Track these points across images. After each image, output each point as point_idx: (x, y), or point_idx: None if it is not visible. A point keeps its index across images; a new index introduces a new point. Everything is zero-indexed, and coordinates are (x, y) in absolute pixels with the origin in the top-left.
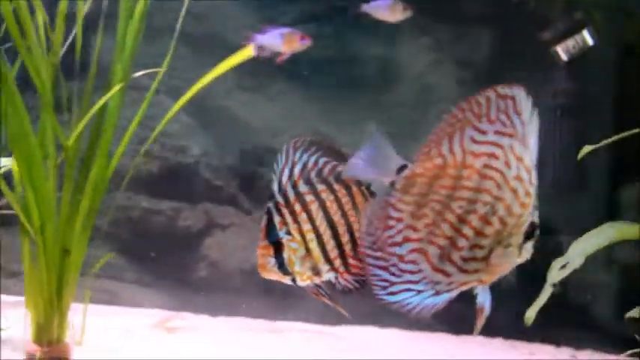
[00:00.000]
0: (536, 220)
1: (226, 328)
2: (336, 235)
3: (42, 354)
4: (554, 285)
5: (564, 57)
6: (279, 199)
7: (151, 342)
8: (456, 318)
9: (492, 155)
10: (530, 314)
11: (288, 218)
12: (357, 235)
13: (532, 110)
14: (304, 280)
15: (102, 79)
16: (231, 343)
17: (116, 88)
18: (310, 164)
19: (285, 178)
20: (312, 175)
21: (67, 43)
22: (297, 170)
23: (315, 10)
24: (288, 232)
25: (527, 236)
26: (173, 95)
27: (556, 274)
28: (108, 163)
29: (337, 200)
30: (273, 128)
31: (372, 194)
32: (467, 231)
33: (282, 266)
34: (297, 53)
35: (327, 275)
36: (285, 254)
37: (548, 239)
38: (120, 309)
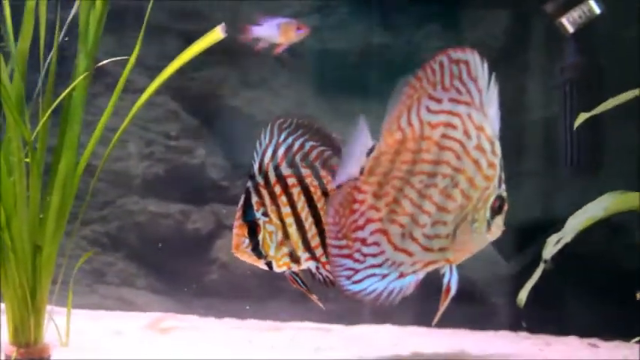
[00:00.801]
0: (504, 193)
1: (226, 328)
2: (318, 223)
3: (18, 355)
4: (546, 262)
5: (570, 29)
6: (259, 179)
7: (139, 343)
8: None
9: (449, 125)
10: (522, 295)
11: (267, 199)
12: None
13: (489, 77)
14: (280, 267)
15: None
16: (226, 344)
17: (80, 78)
18: (296, 147)
19: (267, 159)
20: (297, 158)
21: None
22: (280, 152)
23: (318, 2)
24: (266, 214)
25: (496, 211)
26: (174, 95)
27: (550, 250)
28: (77, 159)
29: (322, 187)
30: None
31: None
32: (428, 207)
33: (256, 248)
34: (303, 46)
35: (307, 264)
36: (260, 236)
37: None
38: (121, 313)
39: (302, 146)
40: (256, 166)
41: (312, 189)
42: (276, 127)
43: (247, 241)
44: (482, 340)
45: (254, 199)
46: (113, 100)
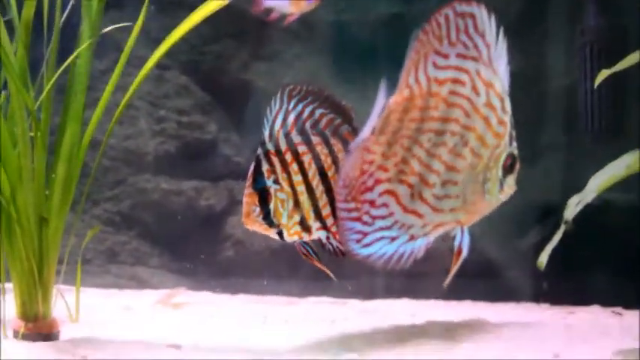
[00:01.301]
0: (515, 151)
1: (240, 304)
2: (329, 191)
3: (26, 329)
4: (567, 222)
5: None
6: (270, 146)
7: (150, 318)
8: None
9: (457, 81)
10: (542, 258)
11: (278, 167)
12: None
13: (497, 32)
14: (291, 236)
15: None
16: (239, 318)
17: (84, 45)
18: (306, 114)
19: (277, 126)
20: (307, 125)
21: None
22: (290, 119)
23: None
24: (277, 182)
25: (507, 170)
26: (187, 71)
27: (571, 211)
28: (82, 129)
29: (332, 155)
30: None
31: None
32: (437, 166)
33: (267, 217)
34: (315, 16)
35: (318, 234)
36: (272, 204)
37: None
38: (134, 291)
39: (312, 113)
40: (266, 133)
41: (322, 157)
42: (285, 94)
43: (258, 209)
44: (503, 311)
45: (264, 166)
46: (118, 70)
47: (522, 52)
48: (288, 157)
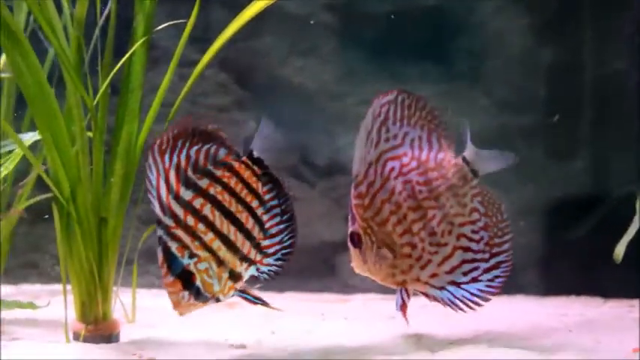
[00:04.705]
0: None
1: (292, 302)
2: (241, 227)
3: (86, 331)
4: None
5: None
6: (167, 221)
7: (205, 318)
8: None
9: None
10: (619, 250)
11: (186, 238)
12: (259, 212)
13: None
14: (227, 294)
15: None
16: (300, 315)
17: (139, 42)
18: (183, 163)
19: (164, 194)
20: (190, 174)
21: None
22: (172, 178)
23: None
24: (192, 255)
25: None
26: (226, 68)
27: None
28: (139, 127)
29: (226, 187)
30: (332, 92)
31: (258, 161)
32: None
33: (199, 295)
34: (351, 10)
35: (248, 273)
36: (199, 281)
37: None
38: None
39: (188, 157)
40: (157, 208)
41: (219, 197)
42: (156, 153)
43: (187, 294)
44: (561, 305)
45: (173, 246)
46: (171, 69)
47: (566, 42)
48: (190, 220)
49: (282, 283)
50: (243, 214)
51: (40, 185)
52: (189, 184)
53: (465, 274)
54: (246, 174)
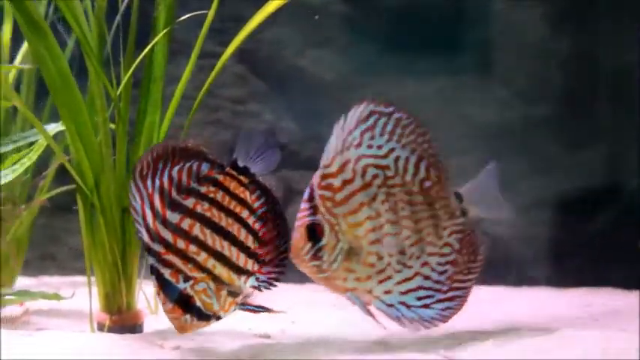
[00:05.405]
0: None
1: (310, 292)
2: (235, 240)
3: (111, 322)
4: None
5: None
6: (157, 248)
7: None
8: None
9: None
10: None
11: (179, 262)
12: (251, 221)
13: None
14: (228, 311)
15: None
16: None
17: (161, 33)
18: (166, 185)
19: (150, 220)
20: (174, 195)
21: None
22: (157, 202)
23: None
24: (188, 278)
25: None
26: (243, 60)
27: None
28: (162, 117)
29: (214, 203)
30: (349, 84)
31: (244, 171)
32: None
33: (201, 316)
34: (369, 2)
35: (247, 285)
36: (198, 302)
37: None
38: None
39: (170, 179)
40: (145, 236)
41: (207, 215)
42: (138, 178)
43: (188, 317)
44: (582, 297)
45: (166, 272)
46: (192, 61)
47: (584, 32)
48: (181, 243)
49: (303, 275)
50: (234, 226)
51: (58, 178)
52: (175, 207)
53: (419, 299)
54: (232, 185)
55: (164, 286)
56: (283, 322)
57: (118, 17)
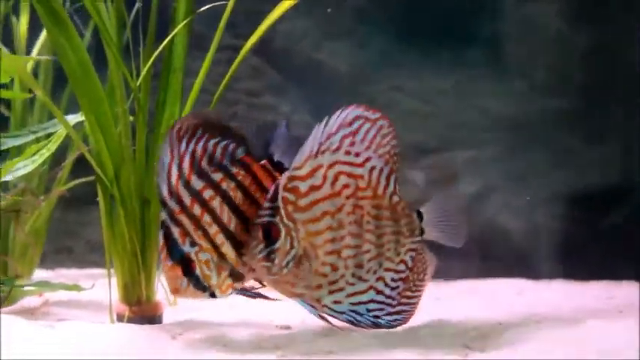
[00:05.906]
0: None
1: None
2: (248, 227)
3: (130, 313)
4: None
5: None
6: (173, 205)
7: (243, 299)
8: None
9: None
10: None
11: (189, 226)
12: None
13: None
14: (224, 292)
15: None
16: None
17: (182, 23)
18: (199, 152)
19: (174, 179)
20: (204, 165)
21: None
22: (186, 164)
23: None
24: (194, 243)
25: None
26: (259, 52)
27: None
28: (182, 107)
29: (240, 186)
30: (368, 76)
31: (279, 166)
32: None
33: (198, 283)
34: None
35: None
36: (198, 270)
37: None
38: None
39: (205, 148)
40: (165, 191)
41: (230, 193)
42: (174, 137)
43: (185, 281)
44: (602, 290)
45: (175, 230)
46: (210, 55)
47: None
48: (197, 209)
49: None
50: (252, 214)
51: (74, 170)
52: (202, 175)
53: (369, 310)
54: (263, 176)
55: (169, 244)
56: (303, 312)
57: (138, 4)
